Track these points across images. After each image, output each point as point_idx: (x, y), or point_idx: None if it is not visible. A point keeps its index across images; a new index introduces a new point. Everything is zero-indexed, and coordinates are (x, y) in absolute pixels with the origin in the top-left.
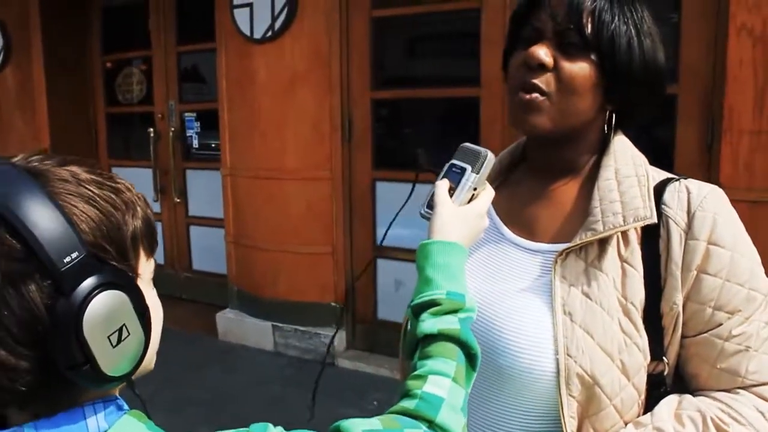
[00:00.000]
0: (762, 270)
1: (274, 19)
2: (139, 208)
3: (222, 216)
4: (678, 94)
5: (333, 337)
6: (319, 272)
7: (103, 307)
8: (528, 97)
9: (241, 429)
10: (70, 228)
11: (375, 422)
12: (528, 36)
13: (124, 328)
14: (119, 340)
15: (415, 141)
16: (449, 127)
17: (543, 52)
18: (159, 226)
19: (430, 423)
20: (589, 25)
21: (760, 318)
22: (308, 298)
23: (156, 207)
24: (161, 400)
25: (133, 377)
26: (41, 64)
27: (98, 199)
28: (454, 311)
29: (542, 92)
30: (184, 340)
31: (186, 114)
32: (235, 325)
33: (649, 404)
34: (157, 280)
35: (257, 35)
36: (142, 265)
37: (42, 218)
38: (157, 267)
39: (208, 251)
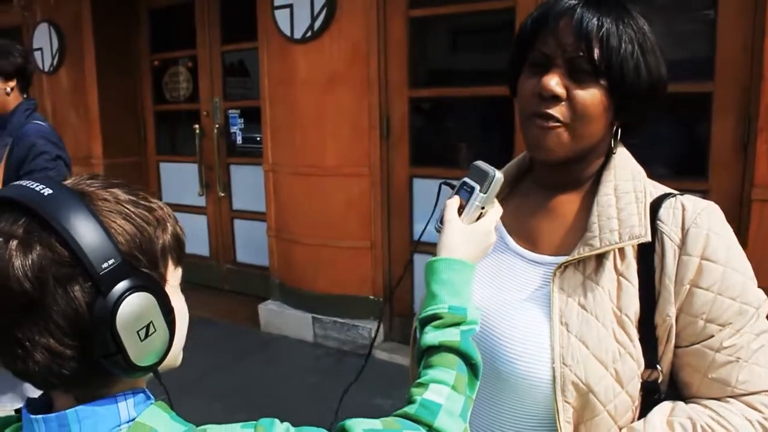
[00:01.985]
0: (755, 284)
1: (313, 19)
2: (169, 225)
3: (264, 210)
4: (713, 92)
5: (377, 330)
6: (358, 266)
7: (133, 306)
8: (547, 125)
9: (250, 422)
10: (109, 239)
11: (376, 423)
12: (536, 61)
13: (151, 324)
14: (147, 335)
15: (452, 138)
16: (484, 125)
17: (555, 83)
18: (204, 220)
19: (429, 427)
20: (598, 52)
21: (750, 330)
22: (347, 291)
23: (201, 201)
24: (203, 387)
25: (158, 370)
26: (93, 65)
27: (134, 216)
28: (456, 324)
29: (559, 122)
30: (227, 331)
31: (230, 111)
32: (277, 317)
33: (644, 410)
34: (202, 272)
35: (297, 35)
36: (170, 273)
37: (86, 231)
38: (202, 259)
39: (251, 244)
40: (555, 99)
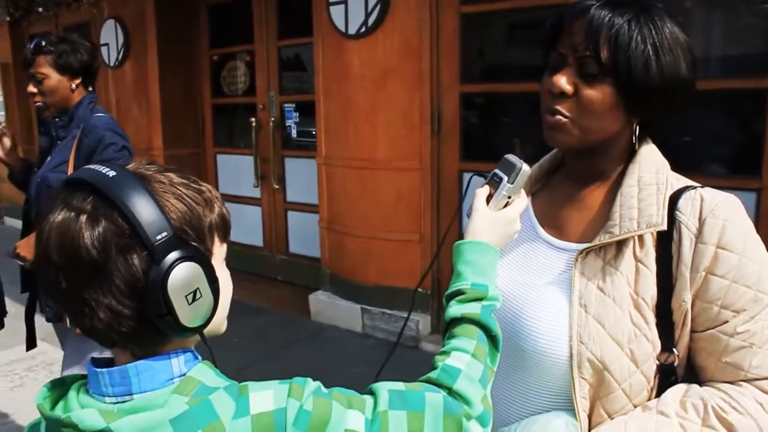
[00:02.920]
0: None
1: (367, 15)
2: (216, 206)
3: (317, 202)
4: None
5: (407, 319)
6: (407, 259)
7: (182, 273)
8: (553, 119)
9: (285, 380)
10: (162, 215)
11: (400, 384)
12: (554, 60)
13: (197, 291)
14: (194, 300)
15: (502, 134)
16: (535, 120)
17: (563, 81)
18: (258, 211)
19: (450, 390)
20: (606, 52)
21: (765, 317)
22: (396, 283)
23: (256, 192)
24: (253, 373)
25: (204, 334)
26: (155, 59)
27: (185, 196)
28: (478, 299)
29: (564, 116)
30: (279, 319)
31: (285, 105)
32: (327, 307)
33: (660, 392)
34: (256, 262)
35: (351, 31)
36: (216, 248)
37: (143, 208)
38: (256, 249)
39: (304, 235)
40: (563, 95)
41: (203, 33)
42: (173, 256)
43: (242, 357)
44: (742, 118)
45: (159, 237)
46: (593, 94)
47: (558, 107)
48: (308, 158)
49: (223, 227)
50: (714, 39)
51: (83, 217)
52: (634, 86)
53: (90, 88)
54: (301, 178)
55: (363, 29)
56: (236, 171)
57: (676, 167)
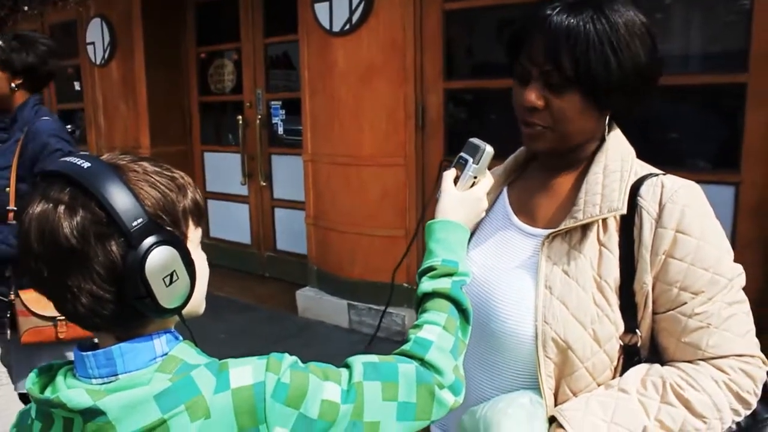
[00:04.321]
0: (731, 258)
1: (351, 12)
2: (189, 191)
3: (304, 199)
4: (747, 83)
5: (384, 312)
6: (393, 254)
7: (159, 257)
8: (530, 130)
9: (263, 356)
10: (137, 203)
11: (374, 357)
12: (519, 74)
13: (174, 273)
14: (171, 282)
15: (486, 129)
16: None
17: (534, 96)
18: (246, 209)
19: (422, 361)
20: (567, 63)
21: (722, 299)
22: (382, 279)
23: (243, 190)
24: None
25: (183, 315)
26: (142, 58)
27: (158, 183)
28: (449, 275)
29: (542, 126)
30: (266, 316)
31: (272, 102)
32: (314, 303)
33: (625, 372)
34: (244, 259)
35: (336, 28)
36: (191, 232)
37: (118, 196)
38: (244, 246)
39: (291, 232)
40: (535, 109)
41: (190, 31)
42: (149, 241)
43: (230, 353)
44: (721, 113)
45: (135, 223)
46: (563, 104)
47: (533, 120)
48: (295, 155)
49: (197, 212)
50: (693, 35)
51: (61, 208)
52: (598, 89)
53: (36, 92)
54: (288, 175)
55: (347, 26)
56: (223, 169)
57: (656, 162)
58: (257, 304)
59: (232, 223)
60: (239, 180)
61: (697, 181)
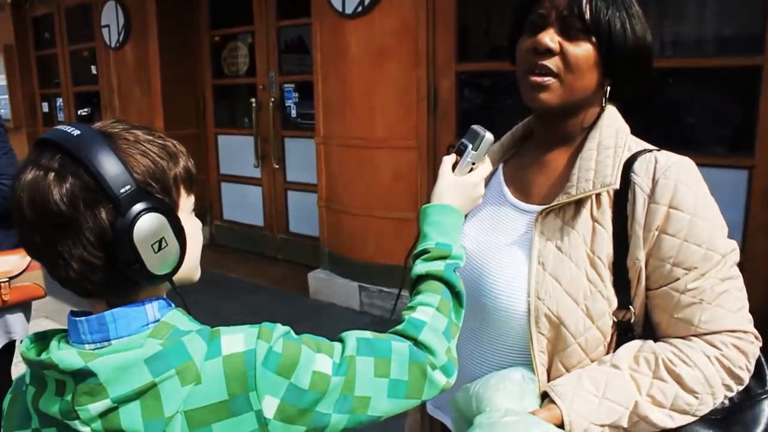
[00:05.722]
0: (724, 233)
1: None
2: (181, 159)
3: (316, 182)
4: (763, 65)
5: (398, 294)
6: (405, 237)
7: (147, 223)
8: (538, 78)
9: (255, 324)
10: (126, 170)
11: (368, 333)
12: (534, 22)
13: (163, 240)
14: (160, 248)
15: (498, 112)
16: None
17: (549, 38)
18: (259, 191)
19: (415, 341)
20: (588, 11)
21: (715, 275)
22: (393, 261)
23: (256, 173)
24: None
25: (176, 283)
26: (156, 41)
27: (149, 151)
28: (442, 258)
29: (553, 74)
30: (278, 297)
31: (285, 85)
32: (325, 285)
33: (618, 348)
34: (257, 241)
35: (348, 10)
36: (183, 200)
37: (107, 163)
38: (257, 228)
39: (304, 215)
40: (549, 53)
41: (204, 14)
42: (138, 207)
43: None
44: (735, 96)
45: (123, 190)
46: (578, 51)
47: (545, 63)
48: (308, 138)
49: (189, 179)
50: (707, 17)
51: (51, 175)
52: (613, 46)
53: None
54: (301, 157)
55: (360, 9)
56: (237, 151)
57: (669, 145)
58: (269, 286)
59: (245, 205)
60: (252, 162)
61: (711, 165)
